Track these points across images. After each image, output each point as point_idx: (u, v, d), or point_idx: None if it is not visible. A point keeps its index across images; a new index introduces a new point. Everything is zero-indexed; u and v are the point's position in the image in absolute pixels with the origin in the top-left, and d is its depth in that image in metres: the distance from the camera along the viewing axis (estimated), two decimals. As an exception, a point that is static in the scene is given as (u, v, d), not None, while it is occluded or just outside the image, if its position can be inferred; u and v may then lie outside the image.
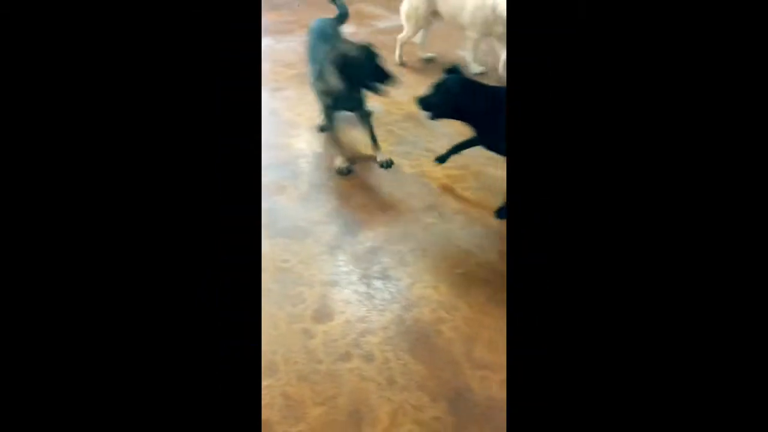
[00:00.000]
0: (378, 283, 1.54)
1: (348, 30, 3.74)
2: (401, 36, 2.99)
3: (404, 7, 2.90)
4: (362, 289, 1.52)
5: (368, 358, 1.30)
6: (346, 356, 1.30)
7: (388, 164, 2.13)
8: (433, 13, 2.84)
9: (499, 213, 1.81)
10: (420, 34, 2.98)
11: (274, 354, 1.31)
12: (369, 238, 1.74)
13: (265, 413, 1.16)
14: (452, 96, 1.56)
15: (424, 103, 1.63)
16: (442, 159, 1.99)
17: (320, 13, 2.51)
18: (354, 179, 2.06)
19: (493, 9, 2.51)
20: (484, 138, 1.72)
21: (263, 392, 1.21)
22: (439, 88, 1.60)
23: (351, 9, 2.63)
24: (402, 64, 3.04)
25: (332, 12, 2.50)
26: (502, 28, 2.58)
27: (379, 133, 2.35)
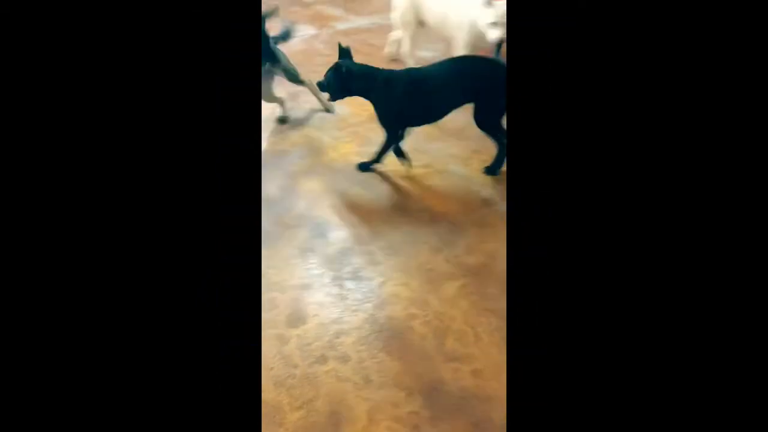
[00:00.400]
0: (350, 284, 1.56)
1: (308, 32, 3.73)
2: (403, 50, 2.97)
3: (394, 16, 2.92)
4: (335, 290, 1.54)
5: (343, 359, 1.32)
6: (322, 359, 1.32)
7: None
8: (420, 22, 2.87)
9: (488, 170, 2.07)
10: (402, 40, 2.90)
11: (249, 361, 1.31)
12: (339, 239, 1.75)
13: (243, 421, 1.17)
14: (342, 76, 1.90)
15: (322, 84, 1.97)
16: (363, 166, 2.13)
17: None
18: (321, 181, 2.07)
19: (472, 25, 2.53)
20: (380, 116, 1.98)
21: (240, 400, 1.21)
22: (332, 70, 1.93)
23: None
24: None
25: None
26: (482, 44, 2.62)
27: (344, 134, 2.37)
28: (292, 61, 2.45)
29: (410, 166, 2.11)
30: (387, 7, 2.99)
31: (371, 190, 2.00)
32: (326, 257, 1.67)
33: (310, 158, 2.24)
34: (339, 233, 1.78)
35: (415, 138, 2.34)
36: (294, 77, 2.50)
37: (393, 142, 2.03)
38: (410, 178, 2.07)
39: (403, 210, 1.89)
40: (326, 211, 1.89)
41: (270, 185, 2.05)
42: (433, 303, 1.48)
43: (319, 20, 3.93)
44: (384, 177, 2.09)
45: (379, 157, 2.07)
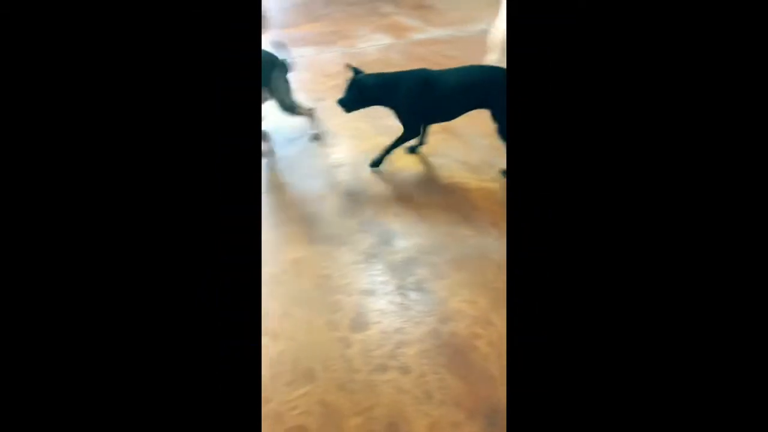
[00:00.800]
0: (414, 295, 1.55)
1: (384, 42, 3.80)
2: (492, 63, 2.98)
3: (493, 32, 2.93)
4: (398, 299, 1.53)
5: (405, 370, 1.30)
6: (383, 367, 1.31)
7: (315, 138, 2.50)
8: None
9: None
10: None
11: (313, 361, 1.33)
12: (405, 248, 1.75)
13: (303, 420, 1.18)
14: (361, 89, 2.04)
15: (342, 102, 2.09)
16: (376, 163, 2.23)
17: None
18: (388, 188, 2.08)
19: None
20: (401, 115, 2.10)
21: (301, 399, 1.23)
22: (351, 86, 2.05)
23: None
24: None
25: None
26: None
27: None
28: (291, 92, 2.33)
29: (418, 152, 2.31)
30: (463, 20, 2.99)
31: (439, 202, 1.99)
32: (391, 265, 1.67)
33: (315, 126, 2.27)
34: (404, 242, 1.78)
35: (485, 152, 2.30)
36: (290, 108, 2.35)
37: (408, 138, 2.11)
38: (480, 191, 2.03)
39: (471, 223, 1.85)
40: (392, 219, 1.90)
41: (336, 190, 2.09)
42: (498, 323, 1.43)
43: (396, 30, 3.99)
44: (452, 188, 2.06)
45: (389, 151, 2.17)
